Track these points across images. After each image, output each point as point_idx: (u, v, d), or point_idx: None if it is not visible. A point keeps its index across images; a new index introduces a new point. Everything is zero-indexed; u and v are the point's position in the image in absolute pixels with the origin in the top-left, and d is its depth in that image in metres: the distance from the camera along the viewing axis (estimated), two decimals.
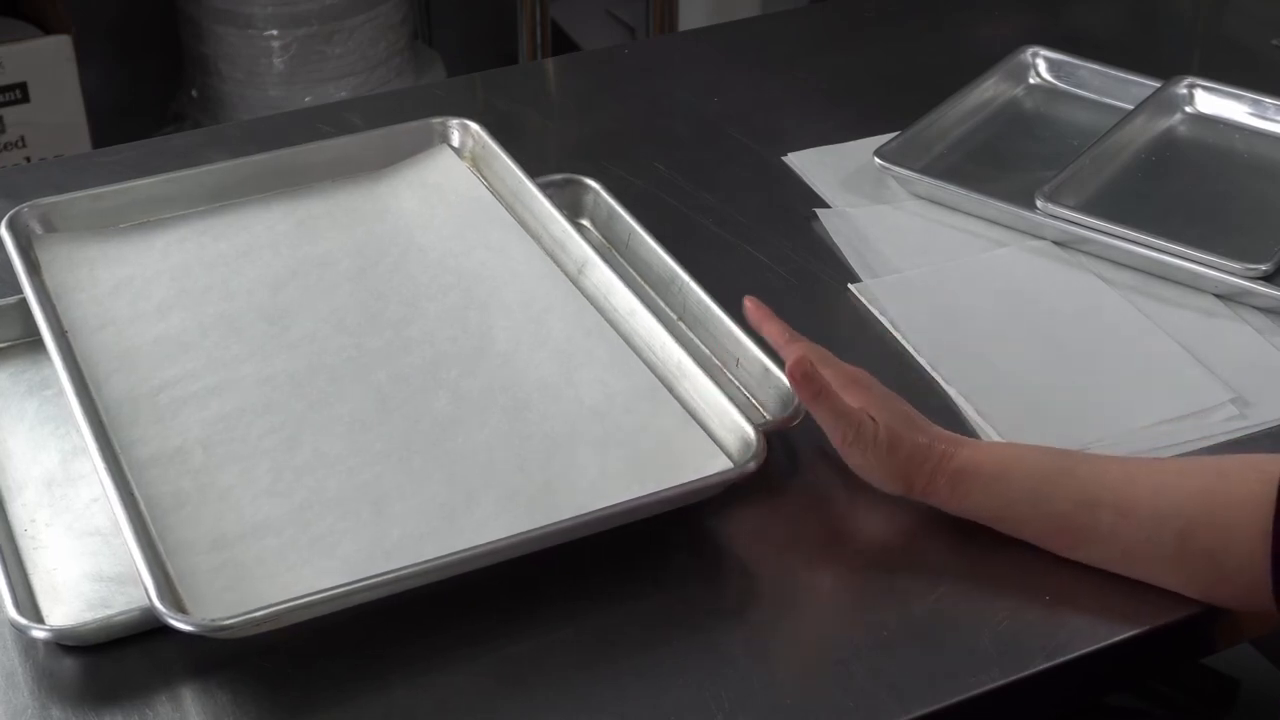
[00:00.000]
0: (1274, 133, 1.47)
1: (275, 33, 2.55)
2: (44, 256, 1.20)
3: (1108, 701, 1.31)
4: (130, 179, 1.27)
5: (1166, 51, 1.71)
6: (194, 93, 2.66)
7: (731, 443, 1.04)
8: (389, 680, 0.95)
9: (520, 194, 1.28)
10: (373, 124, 1.42)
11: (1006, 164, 1.45)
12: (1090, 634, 0.99)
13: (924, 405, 1.15)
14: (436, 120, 1.35)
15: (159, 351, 1.13)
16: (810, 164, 1.46)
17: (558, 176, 1.34)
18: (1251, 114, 1.49)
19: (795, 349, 1.08)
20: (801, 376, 1.03)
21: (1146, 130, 1.47)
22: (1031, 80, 1.57)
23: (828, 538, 1.07)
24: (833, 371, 1.07)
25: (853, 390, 1.06)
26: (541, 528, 0.98)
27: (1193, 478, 1.01)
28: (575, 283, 1.20)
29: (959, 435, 1.06)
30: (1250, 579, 0.96)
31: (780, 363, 1.13)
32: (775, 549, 1.06)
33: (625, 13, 2.92)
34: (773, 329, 1.13)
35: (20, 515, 1.06)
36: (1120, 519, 0.99)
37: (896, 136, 1.44)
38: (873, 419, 1.04)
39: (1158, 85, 1.50)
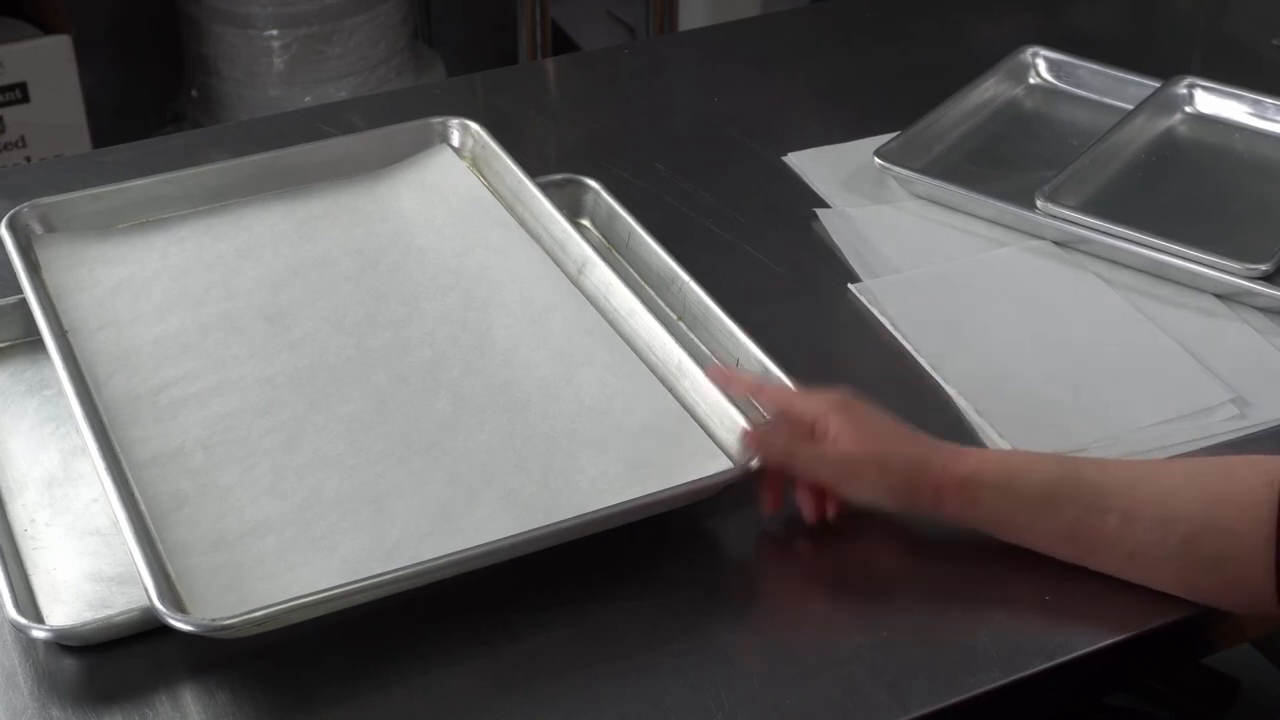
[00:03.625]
0: (1274, 133, 1.47)
1: (275, 33, 2.55)
2: (44, 256, 1.20)
3: (1108, 701, 1.31)
4: (130, 179, 1.27)
5: (1166, 51, 1.71)
6: (194, 93, 2.66)
7: (731, 443, 1.04)
8: (388, 680, 0.95)
9: (520, 194, 1.28)
10: (373, 124, 1.42)
11: (1006, 164, 1.45)
12: (1090, 634, 0.99)
13: (924, 405, 1.16)
14: (436, 120, 1.35)
15: (159, 352, 1.13)
16: (810, 164, 1.46)
17: (558, 176, 1.34)
18: (1251, 114, 1.49)
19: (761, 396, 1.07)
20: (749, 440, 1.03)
21: (1146, 130, 1.47)
22: (1031, 80, 1.57)
23: (827, 538, 1.07)
24: (797, 407, 1.05)
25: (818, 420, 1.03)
26: (541, 528, 0.98)
27: (1198, 479, 1.01)
28: (575, 283, 1.20)
29: (958, 445, 1.04)
30: (1255, 585, 0.96)
31: (780, 363, 1.13)
32: (775, 549, 1.06)
33: (625, 13, 2.92)
34: (741, 385, 1.09)
35: (20, 515, 1.06)
36: (1127, 523, 0.98)
37: (896, 136, 1.44)
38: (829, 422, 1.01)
39: (1158, 85, 1.50)
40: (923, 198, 1.41)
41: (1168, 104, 1.49)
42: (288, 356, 1.13)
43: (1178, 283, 1.30)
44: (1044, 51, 1.57)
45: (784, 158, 1.47)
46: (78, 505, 1.06)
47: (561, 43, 2.81)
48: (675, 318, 1.23)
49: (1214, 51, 1.74)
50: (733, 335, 1.17)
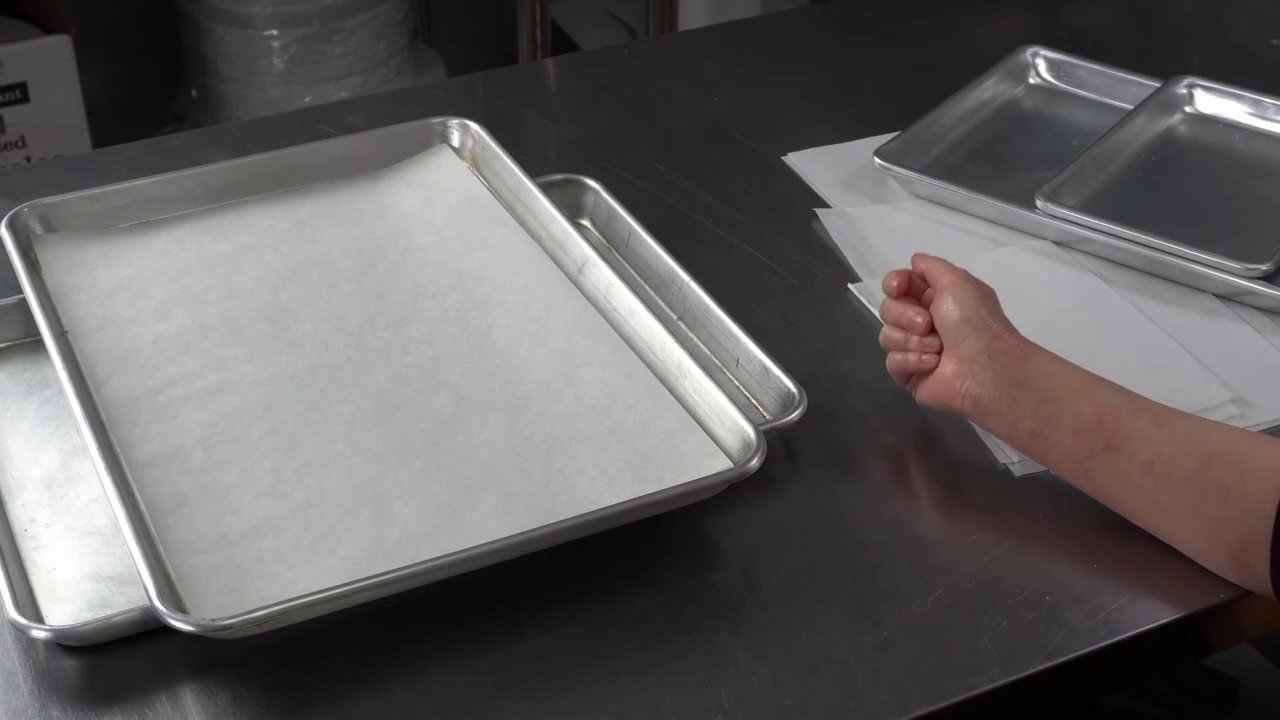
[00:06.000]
0: (1274, 133, 1.47)
1: (275, 33, 2.55)
2: (44, 256, 1.20)
3: (1108, 701, 1.31)
4: (130, 179, 1.27)
5: (1166, 51, 1.71)
6: (194, 93, 2.66)
7: (731, 443, 1.04)
8: (388, 680, 0.95)
9: (520, 194, 1.28)
10: (373, 124, 1.42)
11: (1006, 164, 1.45)
12: (1089, 634, 0.99)
13: (924, 405, 1.15)
14: (436, 120, 1.35)
15: (159, 351, 1.13)
16: (810, 164, 1.46)
17: (558, 176, 1.34)
18: (1251, 114, 1.49)
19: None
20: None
21: (1146, 130, 1.47)
22: (1031, 80, 1.57)
23: (827, 538, 1.07)
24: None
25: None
26: (541, 528, 0.98)
27: (1229, 426, 1.05)
28: (575, 283, 1.20)
29: None
30: (1250, 528, 0.97)
31: (780, 363, 1.13)
32: (775, 549, 1.06)
33: (625, 13, 2.92)
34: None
35: (20, 515, 1.06)
36: (1156, 426, 1.02)
37: (896, 136, 1.44)
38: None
39: (1158, 85, 1.50)
40: (923, 198, 1.41)
41: (1168, 104, 1.49)
42: (288, 356, 1.13)
43: (1178, 283, 1.30)
44: (1044, 51, 1.57)
45: (784, 158, 1.47)
46: (78, 505, 1.06)
47: (561, 43, 2.81)
48: (675, 318, 1.23)
49: (1214, 51, 1.74)
50: (733, 335, 1.17)
